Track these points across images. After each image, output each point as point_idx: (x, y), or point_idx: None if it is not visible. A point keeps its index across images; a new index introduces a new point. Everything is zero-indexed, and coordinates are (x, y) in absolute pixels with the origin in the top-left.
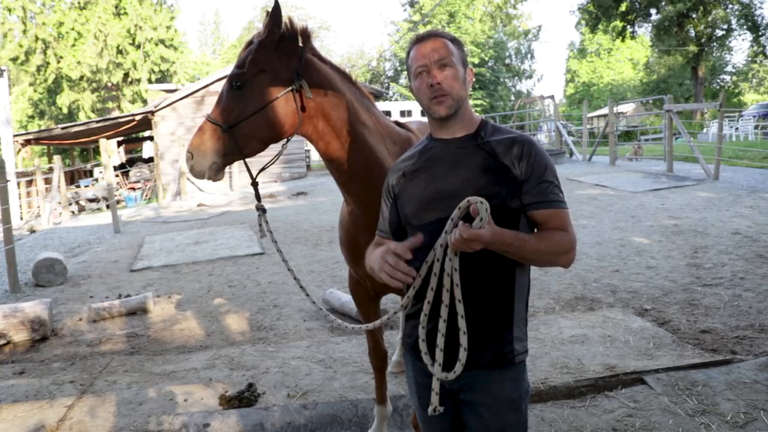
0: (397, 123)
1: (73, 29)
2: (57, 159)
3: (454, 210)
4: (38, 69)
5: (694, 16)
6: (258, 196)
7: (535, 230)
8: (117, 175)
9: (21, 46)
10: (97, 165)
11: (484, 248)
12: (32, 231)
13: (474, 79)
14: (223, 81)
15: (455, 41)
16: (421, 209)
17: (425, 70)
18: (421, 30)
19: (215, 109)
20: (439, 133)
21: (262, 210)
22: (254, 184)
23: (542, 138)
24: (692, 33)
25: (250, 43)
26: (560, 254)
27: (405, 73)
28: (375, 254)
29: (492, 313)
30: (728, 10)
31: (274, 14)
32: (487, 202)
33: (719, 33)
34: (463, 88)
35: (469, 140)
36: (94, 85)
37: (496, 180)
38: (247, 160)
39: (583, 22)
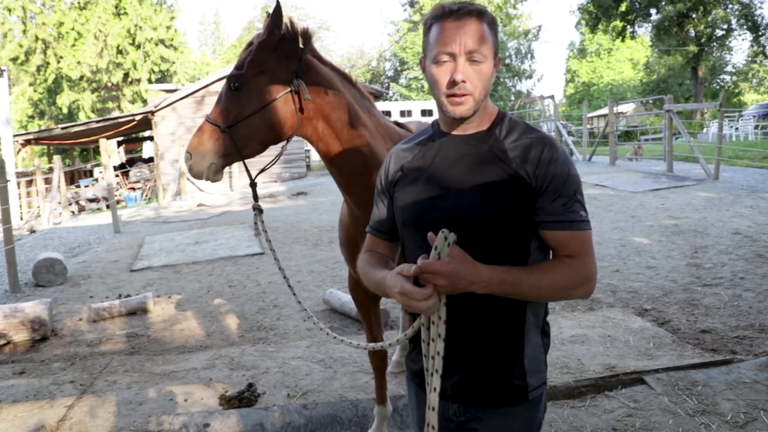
0: (396, 123)
1: (73, 29)
2: (57, 159)
3: (452, 222)
4: (38, 69)
5: (694, 16)
6: (255, 197)
7: (550, 254)
8: (117, 175)
9: (21, 46)
10: (97, 165)
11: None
12: (32, 231)
13: None
14: (224, 81)
15: (492, 24)
16: (416, 219)
17: (450, 59)
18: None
19: (214, 110)
20: (447, 125)
21: (258, 210)
22: (252, 184)
23: None
24: (692, 33)
25: (250, 44)
26: (571, 288)
27: (405, 72)
28: (383, 278)
29: (497, 345)
30: (728, 10)
31: (275, 15)
32: (450, 234)
33: (719, 33)
34: (488, 86)
35: (480, 139)
36: (94, 85)
37: (506, 191)
38: (247, 160)
39: (583, 22)
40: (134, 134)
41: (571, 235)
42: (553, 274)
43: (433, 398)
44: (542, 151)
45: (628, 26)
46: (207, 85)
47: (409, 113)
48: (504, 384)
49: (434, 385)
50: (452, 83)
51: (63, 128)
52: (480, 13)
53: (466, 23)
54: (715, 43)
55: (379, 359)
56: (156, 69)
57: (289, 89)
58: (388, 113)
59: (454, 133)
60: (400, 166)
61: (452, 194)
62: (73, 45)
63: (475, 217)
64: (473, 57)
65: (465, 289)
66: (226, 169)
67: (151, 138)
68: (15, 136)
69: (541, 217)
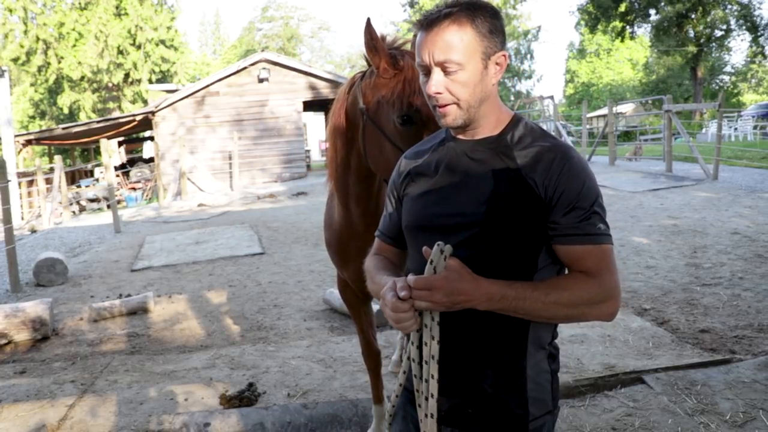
0: None
1: (74, 30)
2: (58, 159)
3: (455, 229)
4: (39, 69)
5: (693, 16)
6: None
7: (566, 271)
8: (118, 175)
9: (22, 46)
10: (98, 165)
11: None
12: (33, 231)
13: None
14: (224, 81)
15: (474, 21)
16: (419, 225)
17: (425, 71)
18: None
19: (392, 149)
20: (456, 131)
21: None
22: None
23: None
24: (691, 33)
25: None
26: (583, 306)
27: None
28: (378, 286)
29: (494, 369)
30: (727, 11)
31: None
32: (447, 246)
33: (718, 33)
34: (479, 91)
35: (488, 144)
36: (95, 85)
37: (511, 199)
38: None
39: (582, 22)
40: (135, 134)
41: (586, 249)
42: (560, 290)
43: (430, 424)
44: (553, 160)
45: (628, 27)
46: (207, 86)
47: None
48: (502, 411)
49: (431, 411)
50: (429, 97)
51: (64, 128)
52: (448, 15)
53: (435, 31)
54: (714, 44)
55: (373, 361)
56: (156, 69)
57: None
58: None
59: (462, 137)
60: (408, 169)
61: (456, 201)
62: (74, 45)
63: (477, 226)
64: (445, 67)
65: (464, 305)
66: (227, 169)
67: (151, 138)
68: (16, 136)
69: (554, 230)
